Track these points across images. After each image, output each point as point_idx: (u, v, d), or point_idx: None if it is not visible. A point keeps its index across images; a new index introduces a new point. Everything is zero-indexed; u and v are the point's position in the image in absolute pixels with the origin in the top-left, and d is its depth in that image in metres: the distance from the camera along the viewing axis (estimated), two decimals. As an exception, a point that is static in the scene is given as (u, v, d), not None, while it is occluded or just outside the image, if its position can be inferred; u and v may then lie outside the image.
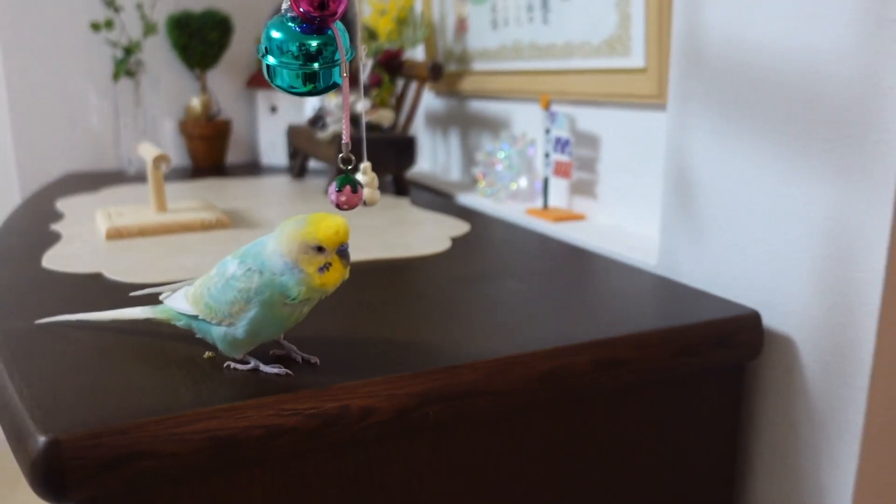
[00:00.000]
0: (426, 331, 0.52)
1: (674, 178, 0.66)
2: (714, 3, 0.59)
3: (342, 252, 0.43)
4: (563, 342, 0.49)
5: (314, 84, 0.43)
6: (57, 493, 0.37)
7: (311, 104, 1.22)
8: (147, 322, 0.50)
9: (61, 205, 0.98)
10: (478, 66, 1.12)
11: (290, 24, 0.42)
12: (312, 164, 1.25)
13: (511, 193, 1.00)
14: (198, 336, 0.47)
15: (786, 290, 0.56)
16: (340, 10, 0.42)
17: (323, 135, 1.03)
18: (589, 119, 0.89)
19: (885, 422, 0.52)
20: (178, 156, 1.35)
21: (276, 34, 0.42)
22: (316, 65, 0.43)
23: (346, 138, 0.44)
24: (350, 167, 0.44)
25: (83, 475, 0.37)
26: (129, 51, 1.24)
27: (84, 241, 0.77)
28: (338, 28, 0.43)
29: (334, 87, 0.44)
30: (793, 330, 0.56)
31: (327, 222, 0.43)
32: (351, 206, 0.43)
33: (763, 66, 0.56)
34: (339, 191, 0.43)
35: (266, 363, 0.45)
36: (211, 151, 1.33)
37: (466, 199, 1.05)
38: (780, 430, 0.58)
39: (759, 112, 0.57)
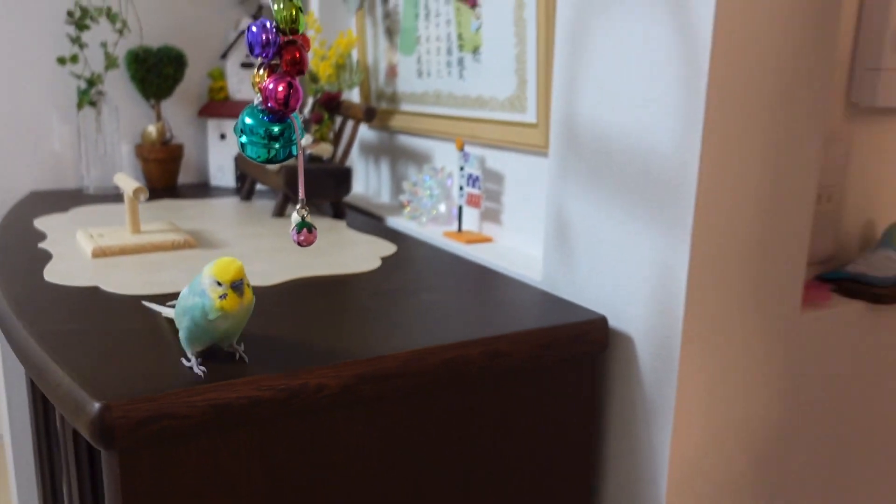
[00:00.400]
0: (361, 330, 0.70)
1: (553, 213, 0.86)
2: (582, 90, 0.79)
3: (235, 287, 0.59)
4: (461, 339, 0.68)
5: (275, 156, 0.61)
6: (107, 443, 0.54)
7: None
8: (155, 322, 0.67)
9: (39, 224, 1.12)
10: (405, 107, 1.31)
11: (259, 112, 0.60)
12: (259, 187, 1.42)
13: (432, 218, 1.20)
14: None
15: (625, 300, 0.76)
16: (297, 106, 0.60)
17: (272, 166, 1.20)
18: (495, 159, 1.09)
19: (690, 393, 0.73)
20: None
21: (248, 120, 0.60)
22: (277, 144, 0.60)
23: (301, 194, 0.62)
24: (304, 215, 0.62)
25: (125, 430, 0.54)
26: (91, 83, 1.38)
27: (73, 259, 0.92)
28: (294, 118, 0.61)
29: (290, 157, 0.62)
30: (630, 330, 0.76)
31: (225, 265, 0.59)
32: (309, 244, 0.61)
33: (614, 139, 0.76)
34: (299, 233, 0.61)
35: (201, 364, 0.60)
36: (164, 173, 1.48)
37: (394, 221, 1.24)
38: (624, 405, 0.78)
39: (610, 171, 0.77)
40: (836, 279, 0.88)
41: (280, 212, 1.22)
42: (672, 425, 0.73)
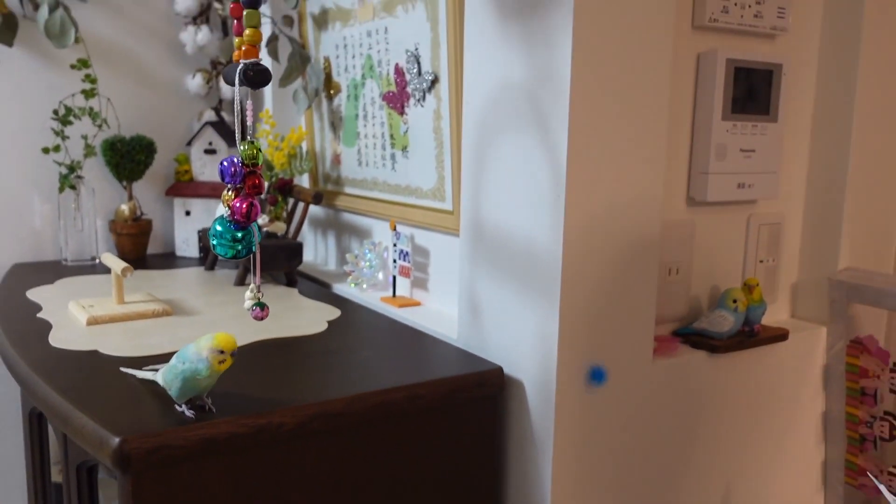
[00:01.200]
0: (312, 380, 0.91)
1: (464, 286, 1.09)
2: (484, 191, 1.03)
3: (233, 354, 0.81)
4: (388, 385, 0.90)
5: (237, 254, 0.83)
6: (125, 468, 0.74)
7: (219, 212, 1.60)
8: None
9: (31, 295, 1.31)
10: (348, 190, 1.54)
11: (227, 222, 0.82)
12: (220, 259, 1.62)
13: (371, 284, 1.42)
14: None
15: (517, 353, 0.99)
16: (256, 218, 0.82)
17: (234, 243, 1.41)
18: (422, 237, 1.32)
19: (565, 425, 0.96)
20: (107, 248, 1.68)
21: (219, 227, 0.82)
22: (240, 245, 0.82)
23: (257, 281, 0.84)
24: (259, 297, 0.84)
25: (137, 456, 0.74)
26: (72, 168, 1.58)
27: (70, 327, 1.11)
28: (253, 226, 0.83)
29: (250, 254, 0.84)
30: (521, 376, 0.99)
31: (226, 338, 0.80)
32: (263, 319, 0.83)
33: (507, 229, 1.00)
34: (255, 310, 0.83)
35: (191, 409, 0.81)
36: (135, 246, 1.67)
37: (339, 288, 1.46)
38: (518, 436, 1.01)
39: (505, 253, 1.01)
40: (685, 333, 1.13)
41: (241, 281, 1.42)
42: (552, 452, 0.95)
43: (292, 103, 1.61)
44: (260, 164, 0.81)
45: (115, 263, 1.18)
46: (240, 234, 0.81)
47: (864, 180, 1.21)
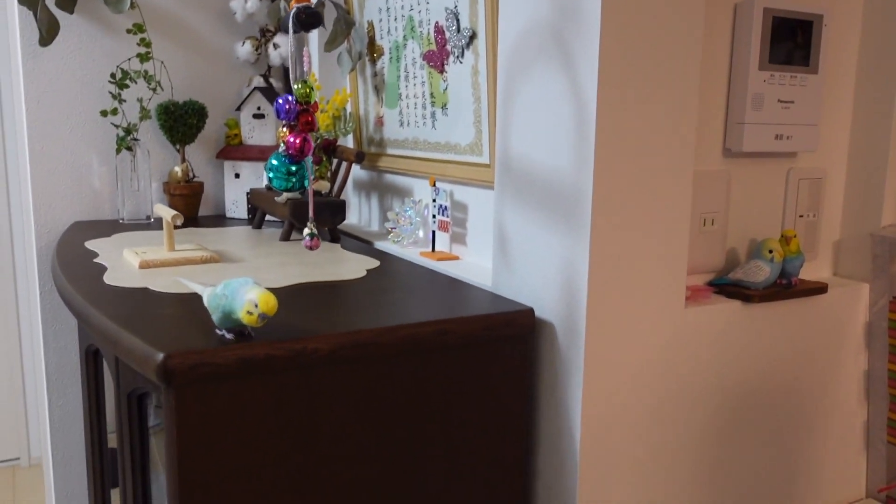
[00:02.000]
0: (346, 315, 0.95)
1: (496, 232, 1.11)
2: (512, 135, 1.05)
3: (263, 317, 0.81)
4: (420, 320, 0.93)
5: (292, 187, 0.87)
6: (169, 381, 0.78)
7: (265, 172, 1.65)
8: (192, 309, 0.91)
9: (90, 245, 1.38)
10: (390, 150, 1.57)
11: (282, 157, 0.86)
12: (268, 218, 1.67)
13: (412, 241, 1.45)
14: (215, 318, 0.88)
15: (547, 295, 1.01)
16: (309, 153, 0.86)
17: (279, 199, 1.46)
18: (461, 193, 1.35)
19: (595, 363, 0.97)
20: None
21: (274, 161, 0.86)
22: (294, 178, 0.86)
23: (311, 213, 0.88)
24: (312, 228, 0.88)
25: (180, 371, 0.79)
26: (128, 131, 1.65)
27: (124, 270, 1.17)
28: (306, 161, 0.87)
29: (303, 188, 0.88)
30: (551, 317, 1.01)
31: (270, 299, 0.80)
32: (316, 248, 0.87)
33: (535, 170, 1.02)
34: (311, 240, 0.87)
35: (230, 334, 0.85)
36: (187, 206, 1.74)
37: (380, 244, 1.49)
38: (548, 375, 1.03)
39: (533, 195, 1.03)
40: (720, 284, 1.13)
41: (286, 237, 1.47)
42: (581, 396, 0.97)
43: (337, 67, 1.65)
44: (312, 102, 0.85)
45: (166, 212, 1.24)
46: (294, 168, 0.86)
47: (908, 133, 1.19)
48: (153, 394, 1.01)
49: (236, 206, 1.77)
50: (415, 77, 1.44)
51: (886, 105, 1.19)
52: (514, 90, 1.05)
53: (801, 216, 1.21)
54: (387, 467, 0.94)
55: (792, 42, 1.10)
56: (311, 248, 0.88)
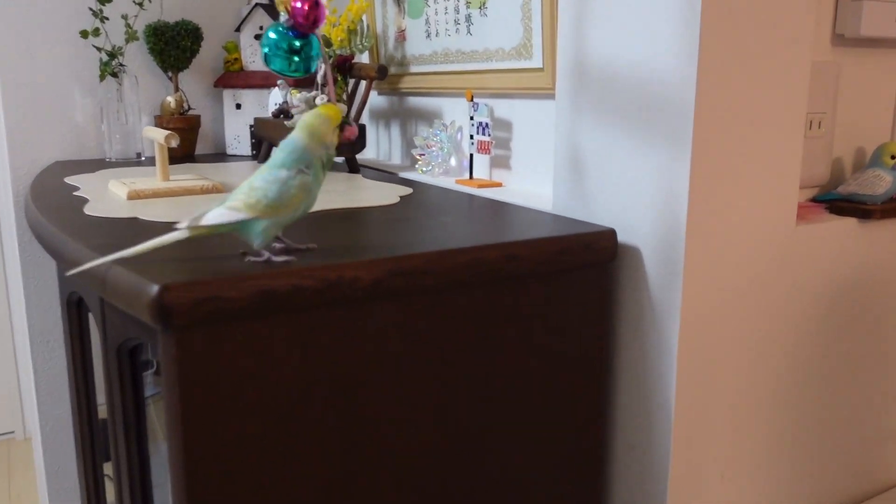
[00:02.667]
0: (388, 240, 0.76)
1: (562, 144, 0.91)
2: (587, 29, 0.85)
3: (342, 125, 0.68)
4: (480, 243, 0.74)
5: (296, 69, 0.67)
6: (167, 322, 0.59)
7: (272, 101, 1.45)
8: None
9: (70, 180, 1.18)
10: (414, 68, 1.37)
11: (283, 29, 0.66)
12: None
13: (443, 170, 1.25)
14: (240, 237, 0.68)
15: (632, 216, 0.82)
16: (321, 24, 0.66)
17: (290, 123, 1.26)
18: (502, 108, 1.15)
19: (694, 294, 0.78)
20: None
21: (272, 35, 0.66)
22: (297, 58, 0.67)
23: (331, 95, 0.68)
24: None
25: (182, 309, 0.60)
26: (112, 55, 1.44)
27: (110, 201, 0.98)
28: (316, 38, 0.67)
29: (308, 72, 0.68)
30: (637, 242, 0.82)
31: (332, 107, 0.66)
32: (354, 135, 0.67)
33: (617, 70, 0.82)
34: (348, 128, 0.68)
35: (274, 255, 0.67)
36: (183, 142, 1.53)
37: (407, 175, 1.29)
38: (633, 311, 0.84)
39: (615, 100, 0.83)
40: (829, 200, 0.94)
41: (298, 168, 1.27)
42: (679, 325, 0.78)
43: (350, -27, 1.43)
44: None
45: (158, 133, 1.04)
46: (298, 44, 0.66)
47: None
48: (149, 347, 0.82)
49: (238, 141, 1.57)
50: (444, -25, 1.23)
51: None
52: (584, -39, 0.84)
53: (915, 121, 1.02)
54: (443, 429, 0.75)
55: None
56: (349, 138, 0.68)
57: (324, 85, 1.31)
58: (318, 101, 1.26)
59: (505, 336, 0.77)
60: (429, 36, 1.31)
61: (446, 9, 1.24)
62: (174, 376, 0.62)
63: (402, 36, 1.39)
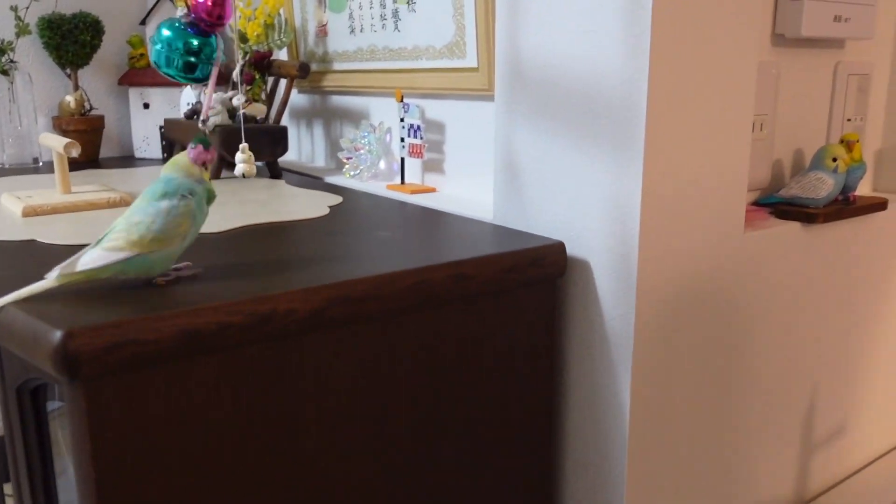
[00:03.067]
0: (322, 263, 0.69)
1: (502, 152, 0.86)
2: (528, 25, 0.80)
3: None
4: (427, 263, 0.68)
5: (193, 70, 0.60)
6: (73, 372, 0.51)
7: (184, 100, 1.35)
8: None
9: (-44, 194, 1.06)
10: (337, 66, 1.29)
11: (179, 24, 0.58)
12: (189, 154, 1.37)
13: (372, 174, 1.19)
14: (122, 277, 0.59)
15: (581, 228, 0.78)
16: (227, 22, 0.59)
17: (205, 126, 1.16)
18: (434, 109, 1.09)
19: (649, 306, 0.75)
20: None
21: (166, 32, 0.58)
22: (194, 59, 0.59)
23: (204, 115, 0.61)
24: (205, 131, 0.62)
25: (91, 356, 0.52)
26: (2, 50, 1.31)
27: (3, 217, 0.87)
28: (216, 38, 0.59)
29: (206, 77, 0.61)
30: (587, 255, 0.78)
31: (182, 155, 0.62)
32: (207, 162, 0.60)
33: (561, 72, 0.77)
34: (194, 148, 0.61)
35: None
36: (85, 146, 1.41)
37: (333, 180, 1.22)
38: (581, 326, 0.80)
39: (559, 104, 0.78)
40: (771, 203, 0.92)
41: (216, 175, 1.18)
42: (633, 339, 0.75)
43: (266, -37, 1.34)
44: None
45: (56, 141, 0.93)
46: (196, 43, 0.58)
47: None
48: (55, 389, 0.73)
49: (147, 143, 1.46)
50: (368, -33, 1.16)
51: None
52: (524, -44, 0.79)
53: (848, 120, 1.02)
54: (390, 458, 0.70)
55: None
56: (198, 162, 0.61)
57: (242, 83, 1.23)
58: (234, 101, 1.17)
59: (452, 360, 0.72)
60: (353, 32, 1.23)
61: (371, 3, 1.17)
62: (83, 430, 0.54)
63: (323, 31, 1.31)
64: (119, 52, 1.48)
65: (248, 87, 1.24)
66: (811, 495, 1.03)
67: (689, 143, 0.74)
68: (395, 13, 1.13)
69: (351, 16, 1.23)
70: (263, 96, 1.27)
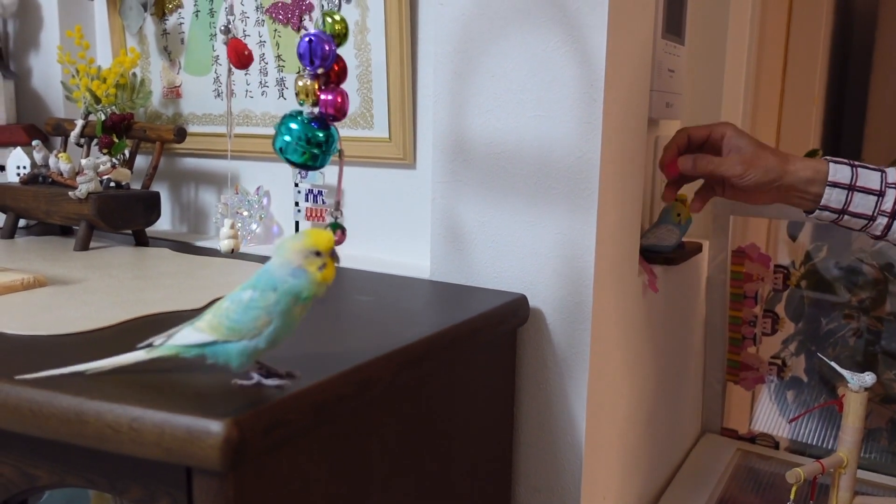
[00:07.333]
0: (349, 334, 0.73)
1: (440, 216, 0.96)
2: (474, 107, 0.92)
3: (333, 254, 0.58)
4: (447, 324, 0.76)
5: (317, 161, 0.63)
6: (237, 460, 0.51)
7: (12, 163, 1.21)
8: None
9: None
10: (196, 128, 1.26)
11: (304, 119, 0.62)
12: (23, 223, 1.23)
13: (250, 238, 1.19)
14: (209, 361, 0.58)
15: (538, 280, 0.90)
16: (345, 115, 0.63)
17: (77, 193, 1.07)
18: (335, 174, 1.14)
19: (600, 344, 0.90)
20: None
21: (293, 126, 0.62)
22: (317, 150, 0.63)
23: (339, 196, 0.65)
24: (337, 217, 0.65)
25: (253, 441, 0.52)
26: None
27: None
28: (335, 130, 0.63)
29: (324, 165, 0.64)
30: (542, 304, 0.90)
31: (322, 234, 0.57)
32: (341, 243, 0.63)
33: (512, 148, 0.90)
34: (339, 233, 0.64)
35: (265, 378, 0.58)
36: None
37: (205, 244, 1.19)
38: (533, 365, 0.92)
39: (507, 172, 0.90)
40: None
41: (85, 244, 1.09)
42: (588, 375, 0.89)
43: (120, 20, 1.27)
44: (342, 45, 0.64)
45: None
46: (321, 135, 0.62)
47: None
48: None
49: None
50: (247, 36, 1.17)
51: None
52: (470, 53, 0.91)
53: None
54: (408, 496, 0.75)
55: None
56: (339, 242, 0.64)
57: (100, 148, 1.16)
58: (102, 167, 1.10)
59: (438, 412, 0.79)
60: (219, 95, 1.23)
61: (248, 70, 1.19)
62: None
63: (175, 92, 1.28)
64: None
65: (106, 150, 1.17)
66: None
67: (623, 204, 0.91)
68: (282, 81, 1.16)
69: (217, 79, 1.23)
70: (122, 161, 1.20)
